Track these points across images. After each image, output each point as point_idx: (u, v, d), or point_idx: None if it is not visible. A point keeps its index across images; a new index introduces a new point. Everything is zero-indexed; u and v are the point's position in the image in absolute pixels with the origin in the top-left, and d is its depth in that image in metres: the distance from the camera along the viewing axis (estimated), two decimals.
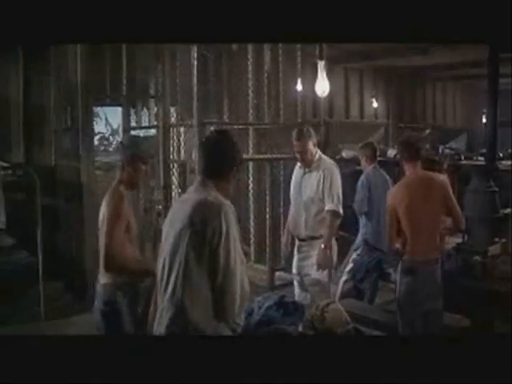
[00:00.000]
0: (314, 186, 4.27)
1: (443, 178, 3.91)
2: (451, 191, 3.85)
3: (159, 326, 2.41)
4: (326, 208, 4.22)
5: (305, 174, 4.38)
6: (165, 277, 2.40)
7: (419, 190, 3.76)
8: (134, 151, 3.17)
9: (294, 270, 4.49)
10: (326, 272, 4.26)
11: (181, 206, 2.49)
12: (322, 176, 4.24)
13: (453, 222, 3.87)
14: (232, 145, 2.53)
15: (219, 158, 2.49)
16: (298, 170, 4.51)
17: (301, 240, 4.44)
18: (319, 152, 4.39)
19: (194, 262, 2.31)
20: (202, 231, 2.30)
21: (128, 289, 3.09)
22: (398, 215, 3.74)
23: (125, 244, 3.03)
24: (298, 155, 4.36)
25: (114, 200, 3.05)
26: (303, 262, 4.40)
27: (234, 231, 2.35)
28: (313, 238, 4.31)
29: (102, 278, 3.09)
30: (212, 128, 5.37)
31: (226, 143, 2.53)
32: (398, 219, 3.75)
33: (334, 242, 4.36)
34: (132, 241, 3.15)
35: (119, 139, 7.92)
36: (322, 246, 4.21)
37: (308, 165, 4.34)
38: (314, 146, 4.31)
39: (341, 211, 4.26)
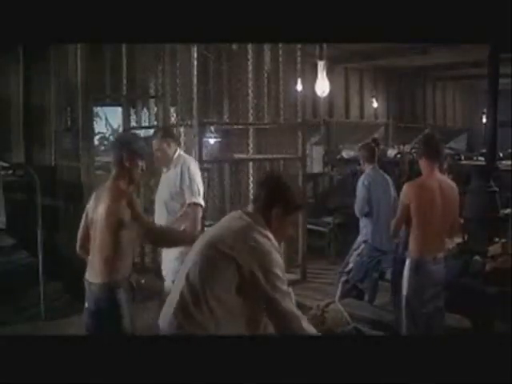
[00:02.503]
0: (171, 182, 4.26)
1: (455, 187, 3.94)
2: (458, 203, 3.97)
3: None
4: (187, 201, 4.19)
5: (165, 173, 4.39)
6: None
7: (434, 191, 3.78)
8: (132, 147, 3.13)
9: (163, 267, 4.38)
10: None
11: None
12: (179, 172, 4.23)
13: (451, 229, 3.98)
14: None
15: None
16: (163, 171, 4.52)
17: None
18: (179, 151, 4.37)
19: None
20: None
21: (127, 285, 3.06)
22: (410, 211, 3.78)
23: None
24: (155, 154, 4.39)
25: (115, 197, 3.01)
26: (166, 257, 4.36)
27: None
28: None
29: (97, 278, 3.04)
30: (212, 128, 5.37)
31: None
32: (409, 214, 3.79)
33: None
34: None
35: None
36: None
37: (165, 164, 4.34)
38: (170, 145, 4.28)
39: (201, 202, 4.24)
